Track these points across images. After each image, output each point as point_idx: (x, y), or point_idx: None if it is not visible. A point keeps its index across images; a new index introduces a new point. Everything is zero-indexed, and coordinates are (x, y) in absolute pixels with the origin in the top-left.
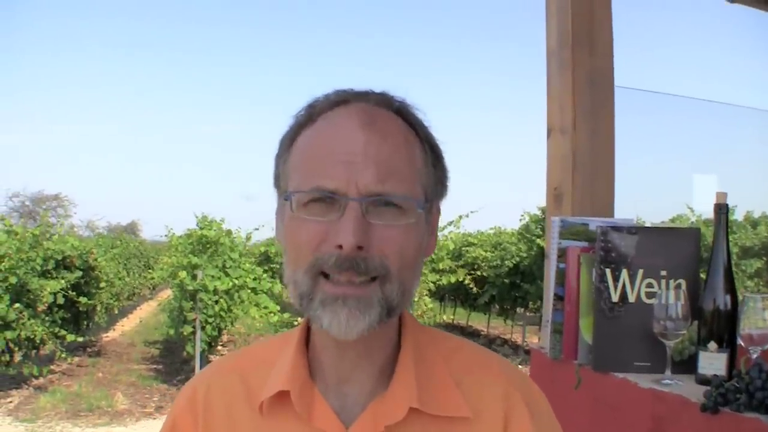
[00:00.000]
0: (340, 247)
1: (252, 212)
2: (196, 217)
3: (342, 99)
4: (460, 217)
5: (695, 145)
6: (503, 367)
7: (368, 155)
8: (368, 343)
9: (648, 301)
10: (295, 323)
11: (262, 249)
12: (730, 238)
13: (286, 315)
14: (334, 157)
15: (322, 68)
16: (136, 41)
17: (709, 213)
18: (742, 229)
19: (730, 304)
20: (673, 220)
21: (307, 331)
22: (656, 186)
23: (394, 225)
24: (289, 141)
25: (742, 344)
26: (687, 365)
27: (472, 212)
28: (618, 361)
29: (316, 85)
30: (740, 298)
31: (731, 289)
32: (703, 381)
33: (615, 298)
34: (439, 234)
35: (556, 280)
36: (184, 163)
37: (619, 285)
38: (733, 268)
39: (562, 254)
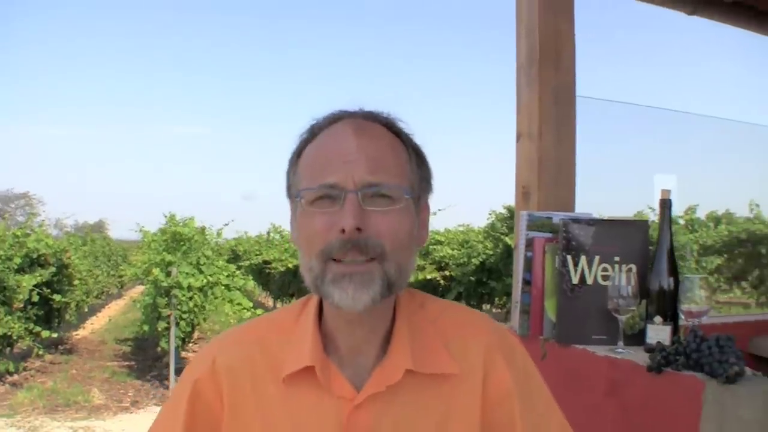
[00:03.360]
0: (343, 231)
1: (222, 212)
2: (165, 216)
3: (337, 117)
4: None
5: (652, 149)
6: (483, 323)
7: (360, 154)
8: (373, 318)
9: (603, 283)
10: None
11: (232, 246)
12: (693, 237)
13: (259, 311)
14: (333, 159)
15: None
16: (109, 41)
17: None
18: (704, 228)
19: (672, 284)
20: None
21: (319, 311)
22: (617, 185)
23: (386, 211)
24: (296, 156)
25: (683, 318)
26: (637, 337)
27: (439, 210)
28: (578, 334)
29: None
30: (681, 279)
31: (674, 272)
32: (650, 349)
33: (575, 280)
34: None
35: (524, 267)
36: (151, 163)
37: (579, 269)
38: (694, 265)
39: (530, 244)
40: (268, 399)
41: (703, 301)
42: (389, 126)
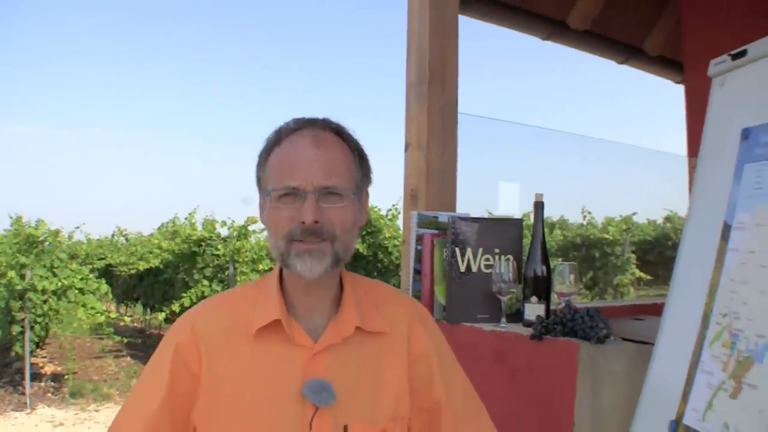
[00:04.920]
0: (303, 222)
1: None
2: (11, 217)
3: (299, 126)
4: None
5: (504, 159)
6: (403, 296)
7: (318, 162)
8: (325, 283)
9: (486, 271)
10: (122, 324)
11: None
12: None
13: (113, 315)
14: (296, 165)
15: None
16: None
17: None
18: None
19: (545, 271)
20: None
21: (280, 279)
22: (486, 189)
23: (337, 206)
24: (265, 155)
25: (556, 297)
26: (515, 316)
27: None
28: (466, 314)
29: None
30: (553, 266)
31: (546, 260)
32: (529, 324)
33: (462, 269)
34: (261, 236)
35: (415, 259)
36: None
37: (465, 259)
38: None
39: (420, 239)
40: (240, 353)
41: (572, 284)
42: (339, 133)
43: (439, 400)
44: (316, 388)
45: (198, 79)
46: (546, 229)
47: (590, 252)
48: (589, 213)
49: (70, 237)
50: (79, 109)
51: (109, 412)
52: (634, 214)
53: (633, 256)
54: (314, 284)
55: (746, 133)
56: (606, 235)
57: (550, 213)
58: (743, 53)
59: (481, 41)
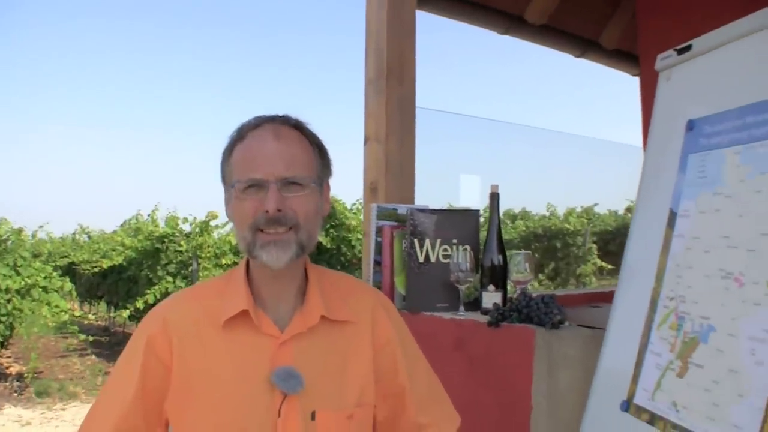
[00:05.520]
0: (267, 212)
1: None
2: None
3: (260, 122)
4: None
5: (469, 152)
6: (367, 287)
7: (279, 155)
8: (290, 273)
9: (445, 261)
10: (86, 322)
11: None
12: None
13: (77, 313)
14: (258, 158)
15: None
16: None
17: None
18: (502, 224)
19: (501, 260)
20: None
21: (247, 271)
22: (447, 181)
23: (298, 195)
24: (228, 151)
25: (512, 285)
26: (473, 304)
27: None
28: (425, 304)
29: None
30: (510, 255)
31: (502, 250)
32: (486, 312)
33: (421, 259)
34: (223, 230)
35: (375, 251)
36: None
37: (424, 250)
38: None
39: (380, 231)
40: (210, 343)
41: (528, 272)
42: (299, 128)
43: (403, 387)
44: (285, 375)
45: (156, 74)
46: (508, 221)
47: (552, 243)
48: (553, 205)
49: (33, 236)
50: (39, 108)
51: (75, 411)
52: (595, 205)
53: (594, 246)
54: (280, 274)
55: (691, 125)
56: (567, 226)
57: (513, 205)
58: (688, 48)
59: (441, 33)
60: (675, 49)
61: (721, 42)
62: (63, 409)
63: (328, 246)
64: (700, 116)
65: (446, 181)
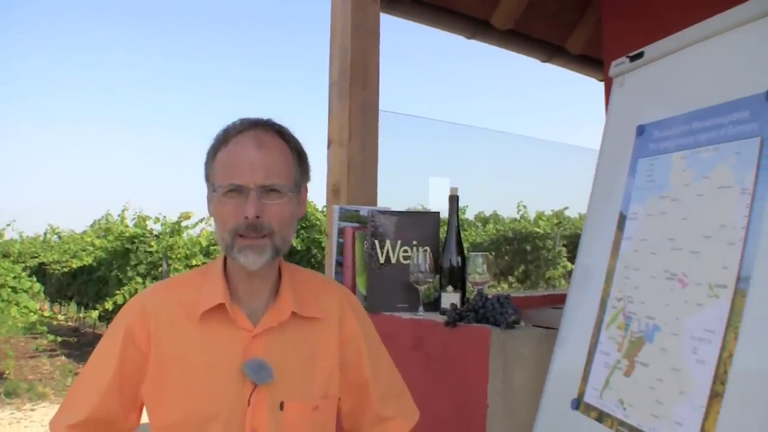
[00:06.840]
0: (247, 218)
1: None
2: None
3: (244, 127)
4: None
5: (439, 155)
6: (335, 285)
7: (260, 163)
8: (265, 272)
9: (405, 262)
10: (55, 323)
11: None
12: (463, 235)
13: (46, 314)
14: (240, 165)
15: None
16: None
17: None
18: (473, 227)
19: (460, 261)
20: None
21: (224, 267)
22: (410, 183)
23: (277, 203)
24: (213, 153)
25: (470, 286)
26: (433, 305)
27: None
28: (386, 304)
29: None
30: (467, 256)
31: (461, 251)
32: (444, 312)
33: (382, 260)
34: (193, 231)
35: (336, 251)
36: None
37: (384, 251)
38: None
39: (341, 232)
40: (186, 333)
41: (485, 273)
42: (281, 134)
43: (366, 380)
44: (256, 367)
45: (127, 73)
46: (479, 224)
47: (522, 246)
48: (525, 207)
49: (1, 235)
50: (7, 106)
51: (45, 411)
52: (565, 208)
53: (564, 249)
54: (255, 273)
55: (640, 130)
56: (537, 229)
57: (483, 208)
58: (640, 55)
59: (408, 35)
60: (628, 56)
61: (673, 49)
62: (32, 410)
63: (299, 248)
64: (649, 121)
65: (415, 184)
